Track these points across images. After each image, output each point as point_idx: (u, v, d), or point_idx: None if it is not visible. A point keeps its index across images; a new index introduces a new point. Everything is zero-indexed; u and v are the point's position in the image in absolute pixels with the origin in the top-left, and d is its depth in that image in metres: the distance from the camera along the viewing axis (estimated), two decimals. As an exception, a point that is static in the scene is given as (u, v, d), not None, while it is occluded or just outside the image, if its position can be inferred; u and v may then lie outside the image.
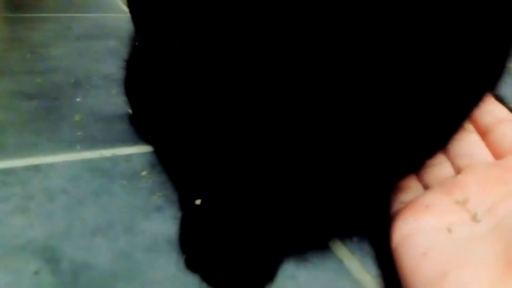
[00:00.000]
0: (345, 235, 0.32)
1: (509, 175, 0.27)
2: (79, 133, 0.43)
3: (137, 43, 0.43)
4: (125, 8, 0.60)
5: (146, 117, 0.41)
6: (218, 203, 0.29)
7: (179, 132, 0.35)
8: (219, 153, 0.34)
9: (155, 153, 0.40)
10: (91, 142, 0.41)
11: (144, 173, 0.37)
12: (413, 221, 0.26)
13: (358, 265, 0.29)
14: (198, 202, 0.29)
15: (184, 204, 0.31)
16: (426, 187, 0.30)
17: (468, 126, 0.32)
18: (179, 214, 0.32)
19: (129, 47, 0.43)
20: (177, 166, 0.35)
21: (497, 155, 0.29)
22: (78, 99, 0.50)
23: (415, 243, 0.25)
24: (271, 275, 0.27)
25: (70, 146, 0.40)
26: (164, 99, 0.37)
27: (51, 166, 0.37)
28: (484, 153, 0.30)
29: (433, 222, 0.26)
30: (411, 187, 0.30)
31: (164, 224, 0.31)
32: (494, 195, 0.26)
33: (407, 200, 0.29)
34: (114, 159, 0.39)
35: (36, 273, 0.26)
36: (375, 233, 0.32)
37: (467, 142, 0.31)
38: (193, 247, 0.28)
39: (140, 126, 0.43)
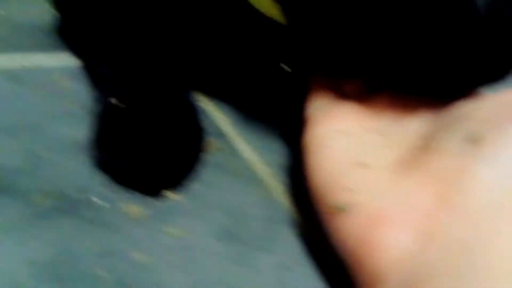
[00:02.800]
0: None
1: None
2: (-10, 38, 0.40)
3: None
4: None
5: (71, 23, 0.39)
6: (132, 105, 0.29)
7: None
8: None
9: (78, 58, 0.38)
10: (3, 47, 0.38)
11: (59, 80, 0.35)
12: (326, 124, 0.27)
13: (269, 173, 0.30)
14: (114, 101, 0.29)
15: (100, 104, 0.30)
16: (343, 97, 0.30)
17: None
18: (92, 120, 0.31)
19: None
20: (100, 68, 0.34)
21: None
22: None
23: (324, 144, 0.26)
24: (180, 177, 0.28)
25: (-23, 49, 0.38)
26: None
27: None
28: None
29: (344, 126, 0.27)
30: (329, 97, 0.30)
31: (75, 128, 0.30)
32: (404, 107, 0.27)
33: (324, 108, 0.29)
34: (27, 65, 0.37)
35: None
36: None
37: None
38: (104, 146, 0.27)
39: (66, 33, 0.40)
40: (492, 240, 0.17)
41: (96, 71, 0.34)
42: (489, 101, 0.22)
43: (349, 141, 0.26)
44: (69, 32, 0.40)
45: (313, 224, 0.25)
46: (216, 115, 0.35)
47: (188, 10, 0.34)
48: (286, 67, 0.34)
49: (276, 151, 0.32)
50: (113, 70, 0.32)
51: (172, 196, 0.26)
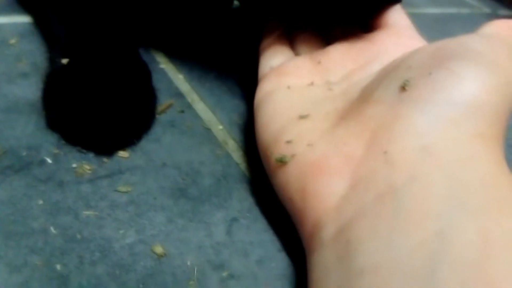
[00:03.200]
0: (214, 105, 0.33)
1: (371, 46, 0.28)
2: None
3: None
4: None
5: None
6: (83, 64, 0.29)
7: None
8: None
9: (32, 19, 0.37)
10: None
11: (12, 41, 0.35)
12: (275, 81, 0.28)
13: (224, 132, 0.31)
14: (65, 61, 0.29)
15: (53, 64, 0.30)
16: (297, 55, 0.31)
17: None
18: (43, 80, 0.30)
19: None
20: (53, 26, 0.33)
21: (368, 29, 0.31)
22: None
23: (271, 100, 0.26)
24: (133, 137, 0.28)
25: None
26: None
27: None
28: (355, 27, 0.31)
29: (292, 82, 0.27)
30: (282, 53, 0.31)
31: (28, 89, 0.30)
32: (353, 63, 0.28)
33: (276, 65, 0.30)
34: (-20, 27, 0.36)
35: None
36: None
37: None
38: (55, 104, 0.27)
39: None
40: (413, 184, 0.17)
41: (49, 30, 0.34)
42: (420, 51, 0.23)
43: (294, 96, 0.26)
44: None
45: (263, 179, 0.26)
46: (175, 75, 0.35)
47: None
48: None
49: (232, 110, 0.33)
50: (65, 28, 0.32)
51: (123, 154, 0.27)
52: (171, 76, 0.35)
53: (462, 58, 0.20)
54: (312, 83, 0.27)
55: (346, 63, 0.28)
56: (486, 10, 0.71)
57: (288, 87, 0.27)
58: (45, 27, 0.36)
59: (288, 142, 0.23)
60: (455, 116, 0.19)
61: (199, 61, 0.37)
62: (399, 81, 0.21)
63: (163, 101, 0.32)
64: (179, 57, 0.37)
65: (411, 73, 0.21)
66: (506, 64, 0.21)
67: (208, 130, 0.31)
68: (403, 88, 0.20)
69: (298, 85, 0.27)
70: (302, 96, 0.26)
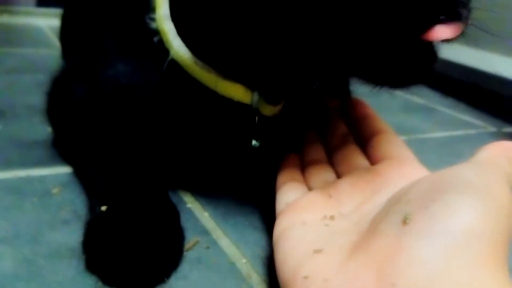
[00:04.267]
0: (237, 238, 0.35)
1: (377, 178, 0.31)
2: (-4, 157, 0.44)
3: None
4: (58, 43, 0.63)
5: (67, 139, 0.44)
6: (119, 212, 0.32)
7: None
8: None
9: (73, 170, 0.42)
10: (7, 164, 0.43)
11: (55, 191, 0.39)
12: (290, 218, 0.30)
13: (248, 266, 0.33)
14: (104, 209, 0.32)
15: (93, 211, 0.34)
16: (310, 189, 0.34)
17: (350, 138, 0.37)
18: (84, 226, 0.34)
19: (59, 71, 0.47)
20: (91, 175, 0.38)
21: (373, 162, 0.34)
22: (-1, 127, 0.51)
23: (288, 237, 0.29)
24: (163, 276, 0.30)
25: (-16, 167, 0.42)
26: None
27: (-37, 185, 0.39)
28: (361, 160, 0.35)
29: (307, 217, 0.30)
30: (296, 189, 0.34)
31: (69, 236, 0.33)
32: (362, 195, 0.31)
33: (291, 201, 0.33)
34: (27, 179, 0.41)
35: None
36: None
37: (348, 152, 0.36)
38: (94, 249, 0.30)
39: (62, 147, 0.45)
40: None
41: (88, 180, 0.38)
42: (418, 184, 0.25)
43: (309, 231, 0.29)
44: (63, 144, 0.45)
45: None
46: (201, 213, 0.38)
47: (168, 115, 0.38)
48: (255, 142, 0.38)
49: (255, 243, 0.35)
50: (103, 179, 0.36)
51: (155, 294, 0.29)
52: (197, 214, 0.38)
53: (455, 190, 0.23)
54: (325, 217, 0.30)
55: (355, 196, 0.31)
56: (492, 129, 0.75)
57: (303, 223, 0.30)
58: (84, 177, 0.40)
59: (305, 277, 0.25)
60: (453, 246, 0.21)
61: (223, 198, 0.40)
62: (400, 214, 0.23)
63: (190, 237, 0.34)
64: (204, 196, 0.40)
65: (410, 207, 0.23)
66: (497, 191, 0.23)
67: (232, 264, 0.33)
68: (404, 221, 0.23)
69: (312, 219, 0.30)
70: (316, 230, 0.29)
